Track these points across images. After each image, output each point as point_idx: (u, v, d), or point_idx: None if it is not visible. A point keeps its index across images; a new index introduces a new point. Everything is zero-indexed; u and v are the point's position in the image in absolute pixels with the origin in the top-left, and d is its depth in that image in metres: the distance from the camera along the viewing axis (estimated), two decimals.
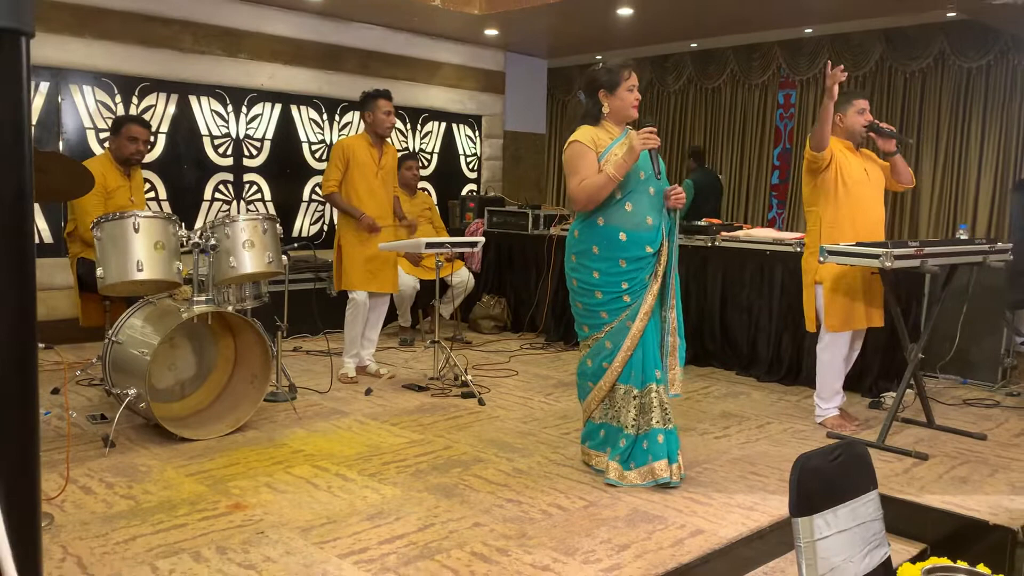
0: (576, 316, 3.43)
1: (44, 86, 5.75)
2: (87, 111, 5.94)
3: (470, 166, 8.77)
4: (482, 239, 5.34)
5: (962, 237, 4.43)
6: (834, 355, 4.18)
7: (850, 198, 4.09)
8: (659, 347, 3.33)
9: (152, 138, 4.89)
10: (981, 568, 1.89)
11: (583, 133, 3.29)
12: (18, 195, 1.21)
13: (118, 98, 6.11)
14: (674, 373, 3.38)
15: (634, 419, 3.28)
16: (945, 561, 1.95)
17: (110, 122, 5.27)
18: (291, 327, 5.57)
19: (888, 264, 3.59)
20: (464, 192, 8.59)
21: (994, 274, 4.78)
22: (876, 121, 4.17)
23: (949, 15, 7.50)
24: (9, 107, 1.19)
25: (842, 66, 3.83)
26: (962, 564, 1.91)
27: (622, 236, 3.24)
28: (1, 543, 1.13)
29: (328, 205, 7.37)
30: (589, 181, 3.22)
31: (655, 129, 3.20)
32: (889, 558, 2.16)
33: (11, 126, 1.19)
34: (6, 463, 1.22)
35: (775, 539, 2.97)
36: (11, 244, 1.21)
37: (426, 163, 8.30)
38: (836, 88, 3.87)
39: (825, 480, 2.03)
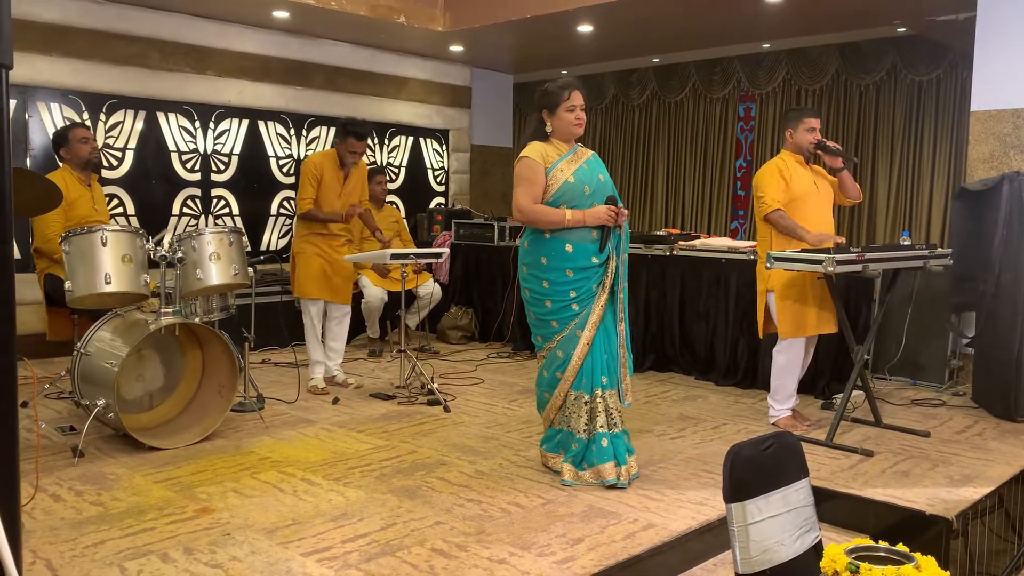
0: (531, 326, 3.58)
1: (11, 103, 5.78)
2: (54, 128, 5.99)
3: (438, 179, 8.90)
4: (446, 250, 5.46)
5: (905, 243, 4.62)
6: (789, 359, 4.33)
7: (800, 208, 4.27)
8: (610, 356, 3.47)
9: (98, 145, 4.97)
10: (900, 547, 2.03)
11: (533, 149, 3.46)
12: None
13: (86, 115, 6.18)
14: (625, 384, 3.53)
15: (585, 424, 3.44)
16: (868, 541, 2.09)
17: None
18: (260, 340, 5.64)
19: (831, 269, 3.76)
20: (432, 205, 8.71)
21: (941, 279, 4.98)
22: (824, 140, 4.36)
23: (899, 30, 7.78)
24: None
25: None
26: (883, 543, 2.05)
27: (568, 247, 3.40)
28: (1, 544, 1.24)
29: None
30: (544, 212, 3.38)
31: (619, 211, 3.38)
32: (820, 541, 2.30)
33: None
34: None
35: (723, 532, 3.09)
36: None
37: (394, 177, 8.42)
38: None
39: (757, 468, 2.17)
